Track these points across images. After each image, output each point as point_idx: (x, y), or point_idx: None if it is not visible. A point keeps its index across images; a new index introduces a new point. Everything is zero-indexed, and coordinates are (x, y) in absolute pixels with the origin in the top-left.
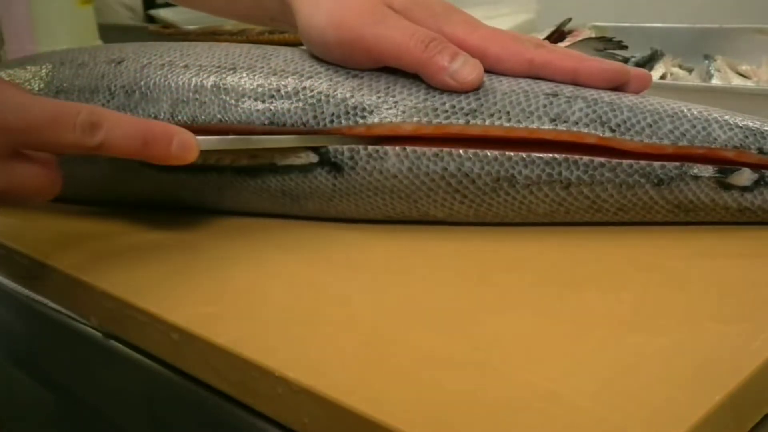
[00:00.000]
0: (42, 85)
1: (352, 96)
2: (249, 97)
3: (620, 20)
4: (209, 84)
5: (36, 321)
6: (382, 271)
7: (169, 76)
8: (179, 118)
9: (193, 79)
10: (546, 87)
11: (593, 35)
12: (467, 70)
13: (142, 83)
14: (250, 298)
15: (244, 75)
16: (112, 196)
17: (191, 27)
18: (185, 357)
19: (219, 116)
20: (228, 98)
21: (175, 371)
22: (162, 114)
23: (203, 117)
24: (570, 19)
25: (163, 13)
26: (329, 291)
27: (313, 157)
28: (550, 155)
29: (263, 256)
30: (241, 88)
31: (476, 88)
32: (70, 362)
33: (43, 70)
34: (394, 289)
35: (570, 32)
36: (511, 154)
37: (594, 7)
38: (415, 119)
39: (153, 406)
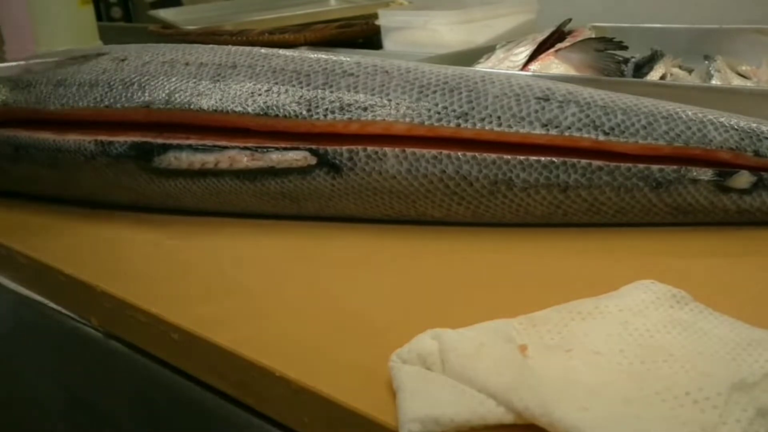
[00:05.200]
0: (42, 78)
1: (348, 92)
2: (246, 90)
3: (620, 20)
4: (208, 77)
5: (36, 321)
6: (383, 272)
7: (169, 70)
8: (174, 105)
9: (193, 73)
10: (538, 91)
11: (593, 35)
12: None
13: (142, 77)
14: (250, 299)
15: (244, 71)
16: (113, 199)
17: (191, 27)
18: (185, 357)
19: (215, 105)
20: (225, 89)
21: (175, 371)
22: (157, 101)
23: (199, 105)
24: (570, 20)
25: (162, 14)
26: (330, 291)
27: (312, 159)
28: (548, 158)
29: (263, 256)
30: (239, 82)
31: None
32: (71, 362)
33: (47, 65)
34: (395, 290)
35: (570, 32)
36: (509, 157)
37: (594, 7)
38: (407, 119)
39: (153, 406)
